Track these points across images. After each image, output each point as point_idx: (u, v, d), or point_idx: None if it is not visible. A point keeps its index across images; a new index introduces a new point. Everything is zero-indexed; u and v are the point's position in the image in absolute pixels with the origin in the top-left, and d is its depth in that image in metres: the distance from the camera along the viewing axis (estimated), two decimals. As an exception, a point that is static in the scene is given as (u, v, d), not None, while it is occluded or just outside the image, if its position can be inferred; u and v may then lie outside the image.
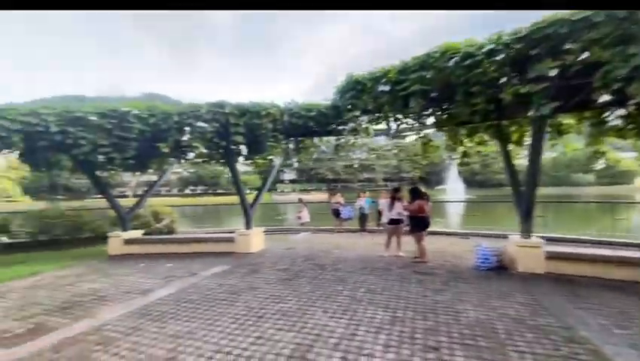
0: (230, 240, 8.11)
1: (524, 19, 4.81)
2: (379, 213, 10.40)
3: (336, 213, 10.98)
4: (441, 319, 3.78)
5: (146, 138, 6.90)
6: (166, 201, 15.92)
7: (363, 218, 10.68)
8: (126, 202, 9.96)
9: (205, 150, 7.00)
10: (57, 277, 6.22)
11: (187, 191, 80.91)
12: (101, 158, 7.06)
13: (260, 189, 8.86)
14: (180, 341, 3.39)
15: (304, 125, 7.03)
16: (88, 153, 6.80)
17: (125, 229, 8.70)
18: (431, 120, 6.41)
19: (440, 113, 6.13)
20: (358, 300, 4.44)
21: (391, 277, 5.58)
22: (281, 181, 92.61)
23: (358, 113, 6.41)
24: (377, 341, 3.26)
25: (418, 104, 5.48)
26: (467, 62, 4.83)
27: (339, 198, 11.07)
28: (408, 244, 7.25)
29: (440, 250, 7.66)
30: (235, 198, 8.40)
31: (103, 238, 10.53)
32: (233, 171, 7.81)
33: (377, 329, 3.53)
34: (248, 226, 8.21)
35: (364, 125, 6.83)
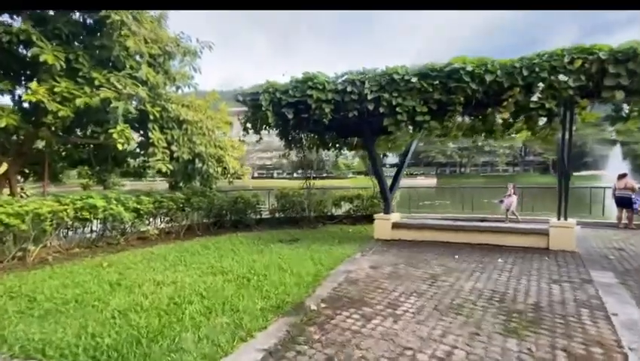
0: (542, 233, 6.38)
1: None
2: None
3: (626, 203, 8.25)
4: None
5: (477, 101, 5.53)
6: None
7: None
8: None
9: (555, 110, 5.28)
10: (392, 265, 5.40)
11: (295, 175, 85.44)
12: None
13: (565, 173, 6.87)
14: None
15: None
16: (401, 121, 5.81)
17: (387, 212, 7.82)
18: None
19: None
20: None
21: None
22: (383, 165, 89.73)
23: None
24: None
25: None
26: None
27: (630, 182, 8.27)
28: None
29: None
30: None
31: (328, 218, 10.27)
32: (570, 141, 5.94)
33: None
34: (562, 215, 6.34)
35: None
